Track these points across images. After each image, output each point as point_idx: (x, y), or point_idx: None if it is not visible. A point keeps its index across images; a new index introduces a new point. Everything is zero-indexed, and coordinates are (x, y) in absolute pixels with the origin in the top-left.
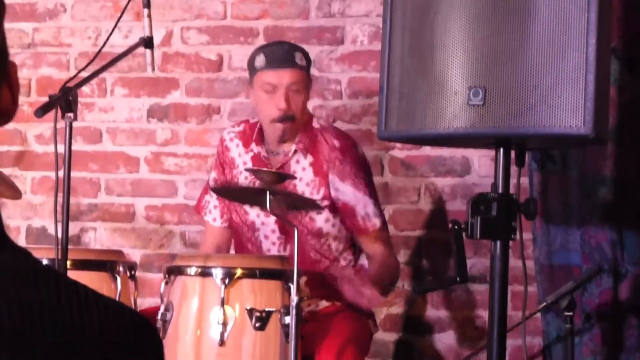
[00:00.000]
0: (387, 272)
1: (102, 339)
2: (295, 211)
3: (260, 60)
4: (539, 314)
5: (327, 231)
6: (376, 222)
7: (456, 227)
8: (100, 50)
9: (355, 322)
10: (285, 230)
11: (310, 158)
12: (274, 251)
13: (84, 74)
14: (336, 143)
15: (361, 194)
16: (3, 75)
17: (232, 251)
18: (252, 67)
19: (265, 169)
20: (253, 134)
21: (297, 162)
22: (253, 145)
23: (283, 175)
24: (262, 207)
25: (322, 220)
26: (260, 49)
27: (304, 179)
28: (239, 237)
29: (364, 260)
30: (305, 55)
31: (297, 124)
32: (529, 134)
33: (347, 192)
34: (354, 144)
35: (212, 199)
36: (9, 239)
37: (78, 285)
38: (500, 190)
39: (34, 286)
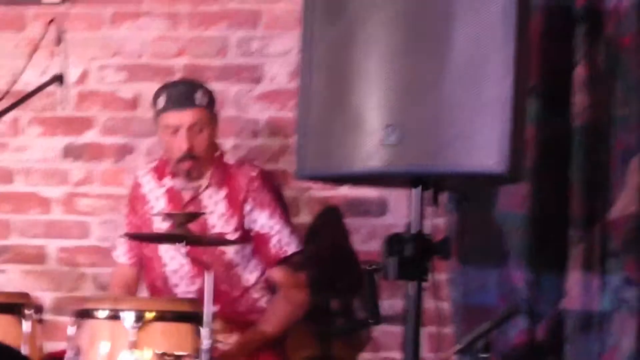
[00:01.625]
0: (284, 320)
1: None
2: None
3: (161, 101)
4: (455, 357)
5: (237, 262)
6: (287, 250)
7: (369, 268)
8: (11, 87)
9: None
10: (196, 265)
11: (224, 191)
12: (182, 286)
13: None
14: (253, 173)
15: (275, 221)
16: None
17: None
18: (155, 108)
19: (175, 212)
20: (166, 168)
21: (210, 197)
22: (167, 180)
23: (194, 215)
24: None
25: (232, 252)
26: (161, 89)
27: (215, 211)
28: (149, 273)
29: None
30: (207, 92)
31: (201, 161)
32: (444, 173)
33: (263, 220)
34: (270, 174)
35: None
36: None
37: None
38: (414, 231)
39: None
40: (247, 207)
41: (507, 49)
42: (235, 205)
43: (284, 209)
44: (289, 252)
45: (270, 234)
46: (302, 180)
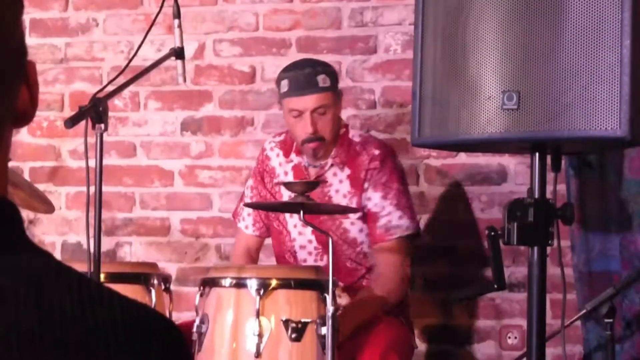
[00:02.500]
0: (370, 306)
1: (126, 341)
2: (332, 218)
3: (284, 85)
4: (578, 322)
5: (361, 240)
6: (393, 233)
7: (492, 233)
8: (130, 62)
9: (396, 331)
10: (321, 240)
11: (347, 170)
12: (310, 261)
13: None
14: (376, 152)
15: (388, 202)
16: (21, 75)
17: (269, 261)
18: (279, 91)
19: (297, 181)
20: (293, 144)
21: (334, 174)
22: (293, 156)
23: (314, 183)
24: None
25: (356, 230)
26: (284, 73)
27: (340, 190)
28: (279, 246)
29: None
30: (329, 73)
31: (327, 142)
32: (564, 138)
33: (376, 199)
34: (393, 154)
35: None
36: (29, 240)
37: (102, 287)
38: (536, 196)
39: (56, 287)
40: (365, 185)
41: (624, 12)
42: (357, 184)
43: (402, 192)
44: (395, 236)
45: (380, 215)
46: (419, 147)
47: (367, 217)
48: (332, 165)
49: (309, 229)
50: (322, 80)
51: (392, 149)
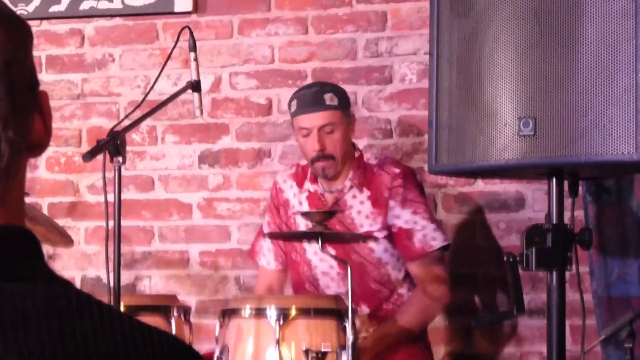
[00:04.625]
0: (421, 314)
1: None
2: (351, 243)
3: (293, 105)
4: (599, 348)
5: (386, 261)
6: (433, 244)
7: (511, 259)
8: (146, 96)
9: (416, 358)
10: (342, 266)
11: (367, 192)
12: (333, 287)
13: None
14: (397, 170)
15: (420, 217)
16: (35, 105)
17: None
18: (290, 112)
19: (314, 210)
20: (306, 174)
21: (354, 197)
22: (308, 185)
23: (331, 213)
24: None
25: (381, 250)
26: (295, 94)
27: (362, 212)
28: (297, 277)
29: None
30: (338, 93)
31: (336, 161)
32: (581, 162)
33: (407, 216)
34: (412, 171)
35: (266, 243)
36: (49, 268)
37: (122, 315)
38: (554, 221)
39: (77, 314)
40: (391, 204)
41: (638, 37)
42: (380, 204)
43: (428, 204)
44: (435, 247)
45: (415, 229)
46: (436, 174)
47: (398, 236)
48: (350, 187)
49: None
50: (330, 98)
51: (410, 166)
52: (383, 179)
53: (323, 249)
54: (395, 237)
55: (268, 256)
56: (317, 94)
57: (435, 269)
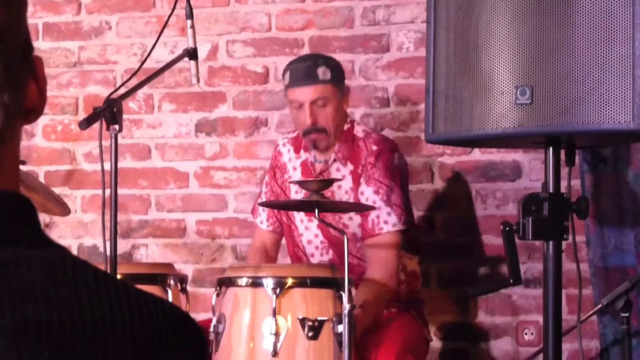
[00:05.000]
0: (370, 300)
1: (143, 334)
2: (332, 213)
3: (286, 77)
4: (595, 317)
5: (360, 235)
6: (383, 228)
7: (507, 228)
8: (143, 63)
9: (412, 329)
10: (327, 235)
11: (350, 166)
12: (317, 256)
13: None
14: (374, 147)
15: (378, 198)
16: (29, 70)
17: (284, 260)
18: (284, 83)
19: (310, 179)
20: (302, 140)
21: (337, 170)
22: (302, 152)
23: (327, 182)
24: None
25: (355, 225)
26: (288, 65)
27: (342, 186)
28: (290, 241)
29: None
30: (332, 67)
31: (330, 135)
32: (578, 131)
33: (368, 194)
34: (392, 150)
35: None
36: (45, 234)
37: (118, 281)
38: (550, 190)
39: (73, 280)
40: (361, 180)
41: (635, 5)
42: (357, 179)
43: (393, 187)
44: (384, 230)
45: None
46: (432, 143)
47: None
48: (334, 160)
49: (315, 224)
50: (322, 72)
51: (393, 145)
52: (362, 154)
53: (319, 218)
54: (360, 214)
55: (262, 215)
56: (310, 68)
57: (382, 253)
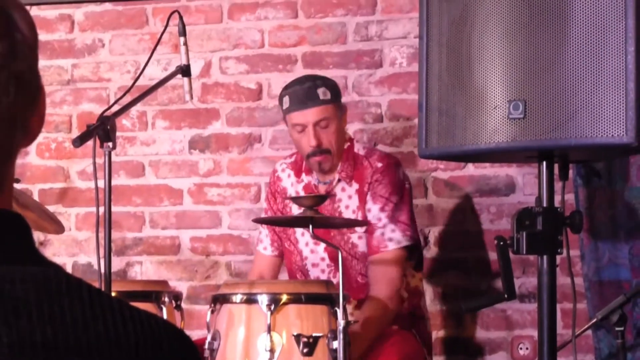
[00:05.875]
0: (372, 319)
1: (137, 350)
2: (339, 231)
3: (286, 102)
4: (590, 332)
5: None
6: (388, 245)
7: (501, 243)
8: (136, 80)
9: (409, 347)
10: (333, 257)
11: (355, 185)
12: (323, 279)
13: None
14: (378, 164)
15: (384, 215)
16: (35, 107)
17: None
18: (281, 108)
19: (304, 195)
20: (303, 164)
21: (343, 189)
22: (303, 175)
23: (322, 197)
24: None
25: (363, 244)
26: (285, 89)
27: (350, 206)
28: (290, 266)
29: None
30: (330, 86)
31: (334, 155)
32: (571, 145)
33: (374, 211)
34: (396, 166)
35: (264, 229)
36: (39, 252)
37: (112, 298)
38: (544, 204)
39: (67, 297)
40: (367, 198)
41: (627, 19)
42: (363, 197)
43: (400, 204)
44: (389, 248)
45: (377, 226)
46: (426, 158)
47: (367, 231)
48: (339, 180)
49: (321, 247)
50: (322, 93)
51: (397, 161)
52: (367, 172)
53: (314, 234)
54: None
55: (265, 241)
56: (309, 90)
57: (386, 270)
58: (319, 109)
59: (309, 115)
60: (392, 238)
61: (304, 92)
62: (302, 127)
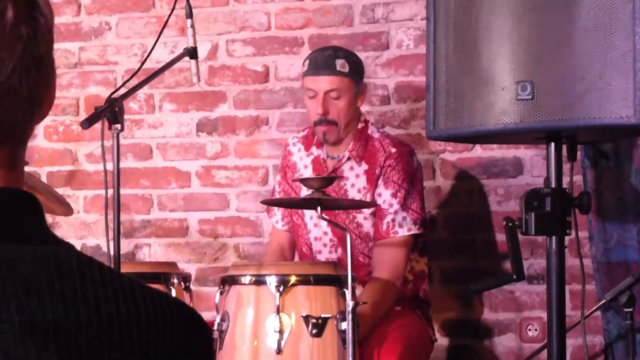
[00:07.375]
0: (374, 303)
1: (148, 329)
2: (346, 212)
3: (306, 65)
4: (599, 313)
5: (373, 236)
6: (398, 231)
7: (510, 224)
8: (143, 63)
9: (415, 327)
10: (336, 233)
11: (364, 165)
12: (325, 254)
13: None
14: (393, 150)
15: (396, 201)
16: (49, 90)
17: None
18: (302, 71)
19: (312, 176)
20: (314, 137)
21: (351, 168)
22: (313, 149)
23: (331, 179)
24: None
25: (369, 225)
26: (310, 54)
27: (356, 185)
28: (298, 239)
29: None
30: (351, 61)
31: (339, 127)
32: (579, 126)
33: (386, 196)
34: (410, 154)
35: None
36: (51, 232)
37: (123, 276)
38: (553, 186)
39: (78, 276)
40: (379, 182)
41: (635, 1)
42: (372, 180)
43: (412, 191)
44: (399, 234)
45: (388, 211)
46: (434, 140)
47: (376, 214)
48: (349, 158)
49: (325, 222)
50: (341, 64)
51: (411, 149)
52: (379, 155)
53: (322, 215)
54: (375, 215)
55: (277, 215)
56: (329, 58)
57: (393, 255)
58: (333, 78)
59: (321, 82)
60: (402, 225)
61: (323, 59)
62: (314, 93)
